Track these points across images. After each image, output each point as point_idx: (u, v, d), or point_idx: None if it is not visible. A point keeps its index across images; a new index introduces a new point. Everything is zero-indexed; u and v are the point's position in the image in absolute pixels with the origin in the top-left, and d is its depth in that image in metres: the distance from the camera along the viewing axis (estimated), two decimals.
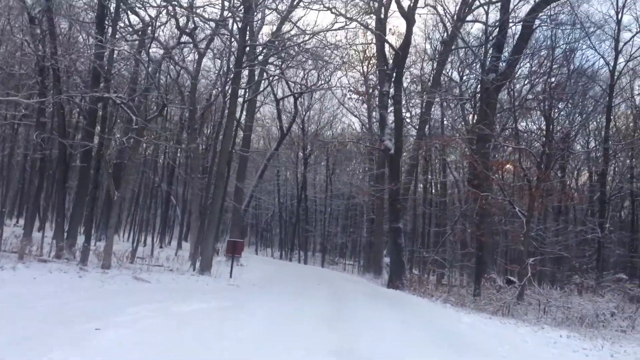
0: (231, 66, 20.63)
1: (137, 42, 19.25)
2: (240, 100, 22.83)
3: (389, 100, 24.83)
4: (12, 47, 19.76)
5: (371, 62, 35.08)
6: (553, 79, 18.10)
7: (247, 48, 21.85)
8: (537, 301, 14.68)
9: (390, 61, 25.16)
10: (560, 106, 17.58)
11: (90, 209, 16.41)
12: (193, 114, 24.44)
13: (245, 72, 25.87)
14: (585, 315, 13.02)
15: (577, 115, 24.01)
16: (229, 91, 18.41)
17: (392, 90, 24.22)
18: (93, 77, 16.01)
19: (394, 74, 23.90)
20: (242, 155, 28.57)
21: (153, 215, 39.14)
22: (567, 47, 21.11)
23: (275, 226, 56.34)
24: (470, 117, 27.99)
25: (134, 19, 21.87)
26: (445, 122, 31.82)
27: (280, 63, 25.83)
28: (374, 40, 27.64)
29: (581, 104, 22.98)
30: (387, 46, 26.37)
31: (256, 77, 26.51)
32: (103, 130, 14.99)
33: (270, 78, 28.79)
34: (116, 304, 8.76)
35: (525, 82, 22.60)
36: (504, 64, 18.54)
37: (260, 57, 23.55)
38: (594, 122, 27.00)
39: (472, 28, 26.09)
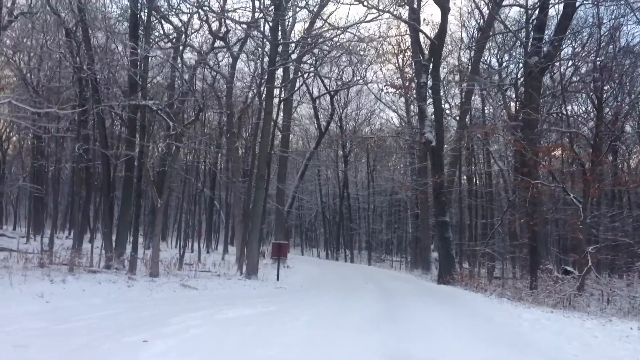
0: (265, 66, 20.51)
1: (171, 50, 19.39)
2: (275, 100, 22.64)
3: (427, 91, 24.21)
4: (52, 63, 20.22)
5: (406, 54, 34.52)
6: (601, 58, 17.05)
7: (280, 47, 21.72)
8: (599, 291, 13.88)
9: (426, 52, 24.52)
10: (609, 86, 16.51)
11: (135, 217, 16.55)
12: (230, 118, 24.47)
13: (280, 72, 25.90)
14: None
15: (625, 95, 22.78)
16: (264, 91, 18.26)
17: (429, 81, 23.59)
18: (130, 86, 16.15)
19: (431, 65, 23.27)
20: (281, 156, 28.47)
21: (198, 221, 39.68)
22: (612, 25, 19.97)
23: (319, 226, 56.22)
24: (512, 104, 27.04)
25: (168, 27, 22.17)
26: (486, 111, 30.92)
27: (314, 61, 25.57)
28: (408, 32, 27.04)
29: (629, 83, 21.75)
30: (422, 37, 25.77)
31: (291, 76, 26.35)
32: (143, 138, 15.05)
33: (305, 75, 28.58)
34: (164, 313, 8.66)
35: (569, 65, 21.57)
36: (546, 46, 17.65)
37: (293, 56, 23.35)
38: None
39: (509, 12, 25.01)
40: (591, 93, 17.31)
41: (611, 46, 18.96)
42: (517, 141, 14.57)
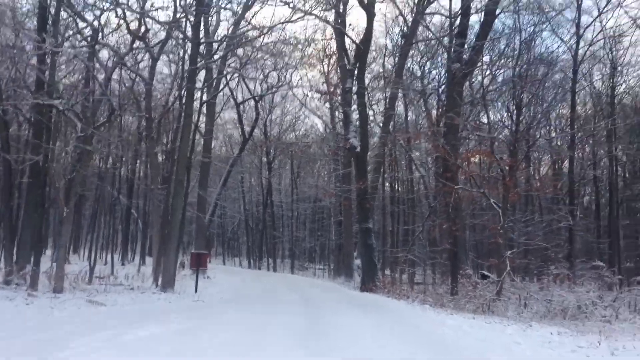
0: (186, 68, 19.64)
1: (87, 50, 18.08)
2: (197, 104, 21.71)
3: (352, 97, 24.24)
4: None
5: (332, 60, 34.63)
6: (521, 66, 17.71)
7: (202, 46, 20.87)
8: (516, 295, 14.22)
9: (352, 57, 24.56)
10: (525, 94, 17.19)
11: (40, 228, 15.04)
12: (150, 122, 23.23)
13: (203, 75, 25.04)
14: (567, 307, 12.62)
15: (539, 103, 23.95)
16: (185, 93, 17.37)
17: (355, 86, 23.62)
18: (36, 84, 14.75)
19: (356, 70, 23.30)
20: (203, 162, 27.49)
21: (114, 231, 37.61)
22: (528, 34, 20.93)
23: (242, 234, 55.07)
24: (434, 111, 27.69)
25: (83, 26, 20.69)
26: (409, 118, 31.52)
27: (238, 64, 24.92)
28: (334, 36, 27.01)
29: (541, 92, 22.89)
30: (347, 41, 25.80)
31: (214, 79, 25.54)
32: (48, 141, 13.72)
33: (229, 77, 27.82)
34: (63, 335, 7.73)
35: (488, 73, 22.35)
36: (468, 53, 18.12)
37: (216, 56, 22.62)
38: (555, 111, 26.98)
39: (432, 19, 25.59)
40: (510, 100, 17.91)
41: (526, 56, 19.79)
42: (441, 147, 14.71)
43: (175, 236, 15.89)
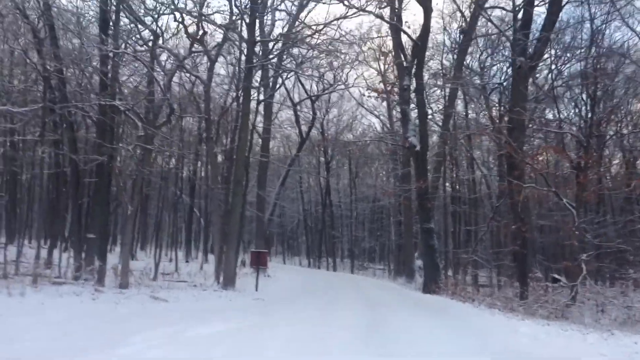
0: (242, 68, 19.83)
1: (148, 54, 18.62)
2: (254, 104, 21.85)
3: (410, 95, 23.69)
4: (16, 61, 19.19)
5: (388, 58, 34.10)
6: (592, 59, 16.59)
7: (258, 46, 20.99)
8: (591, 301, 13.29)
9: (409, 54, 24.02)
10: (600, 86, 16.02)
11: (104, 225, 15.55)
12: (209, 123, 23.65)
13: (260, 75, 25.26)
14: None
15: (607, 99, 22.51)
16: (242, 93, 17.48)
17: (413, 83, 23.08)
18: (100, 87, 15.27)
19: (414, 67, 22.74)
20: (261, 162, 27.70)
21: (179, 229, 38.55)
22: (597, 25, 19.65)
23: (301, 234, 55.31)
24: (494, 110, 26.61)
25: (147, 33, 21.38)
26: (469, 116, 30.50)
27: (294, 63, 24.98)
28: (390, 34, 26.53)
29: (612, 86, 21.48)
30: (404, 38, 25.25)
31: (270, 78, 25.70)
32: (112, 142, 14.14)
33: (284, 75, 27.89)
34: (126, 330, 7.81)
35: (557, 65, 21.18)
36: (533, 46, 17.19)
37: (271, 56, 22.77)
38: (625, 106, 25.27)
39: (492, 13, 24.58)
40: (578, 95, 16.85)
41: (595, 48, 18.57)
42: (507, 144, 13.93)
43: (234, 235, 16.00)
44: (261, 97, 24.69)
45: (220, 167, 26.94)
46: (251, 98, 18.43)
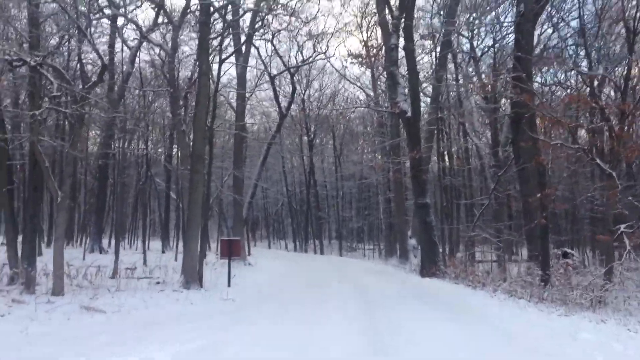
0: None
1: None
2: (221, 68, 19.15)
3: (399, 54, 21.17)
4: None
5: (371, 23, 31.62)
6: None
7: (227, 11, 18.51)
8: (629, 281, 11.01)
9: (396, 7, 21.41)
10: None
11: (34, 217, 12.73)
12: (175, 98, 21.00)
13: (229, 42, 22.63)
14: None
15: None
16: (198, 46, 14.65)
17: (401, 41, 20.52)
18: (30, 47, 12.41)
19: (402, 21, 20.14)
20: (237, 138, 25.15)
21: (152, 219, 35.80)
22: None
23: (287, 217, 52.88)
24: (484, 76, 24.22)
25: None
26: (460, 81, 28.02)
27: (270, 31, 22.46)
28: None
29: None
30: None
31: (243, 45, 23.09)
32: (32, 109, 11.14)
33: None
34: None
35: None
36: None
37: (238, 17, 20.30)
38: None
39: None
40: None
41: None
42: (527, 93, 11.20)
43: (196, 220, 13.33)
44: (232, 60, 22.06)
45: (189, 146, 24.29)
46: (209, 52, 15.57)
